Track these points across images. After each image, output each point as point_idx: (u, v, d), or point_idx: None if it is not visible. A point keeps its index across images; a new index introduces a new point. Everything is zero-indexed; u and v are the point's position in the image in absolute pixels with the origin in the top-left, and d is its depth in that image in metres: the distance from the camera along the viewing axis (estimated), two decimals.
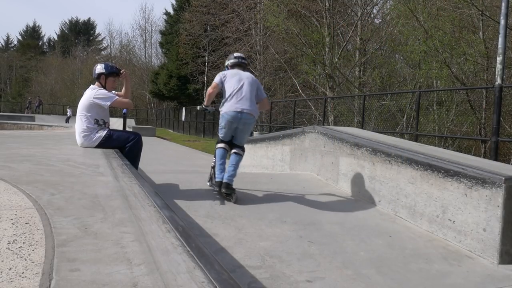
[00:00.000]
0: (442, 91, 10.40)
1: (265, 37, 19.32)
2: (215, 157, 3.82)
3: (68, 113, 31.43)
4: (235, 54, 4.08)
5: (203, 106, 3.97)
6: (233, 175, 3.56)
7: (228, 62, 4.01)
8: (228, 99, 3.66)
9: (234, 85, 3.70)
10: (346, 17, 15.77)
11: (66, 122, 28.96)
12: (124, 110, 4.03)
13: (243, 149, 3.82)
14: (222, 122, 3.72)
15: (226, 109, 3.63)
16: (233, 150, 3.77)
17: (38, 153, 3.42)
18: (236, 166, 3.65)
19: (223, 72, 3.86)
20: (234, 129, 3.72)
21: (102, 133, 3.70)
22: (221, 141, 3.81)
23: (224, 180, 3.52)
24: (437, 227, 2.93)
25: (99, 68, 3.89)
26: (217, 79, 3.78)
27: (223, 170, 3.65)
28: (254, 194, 3.65)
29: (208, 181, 3.98)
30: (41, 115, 30.64)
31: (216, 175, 3.67)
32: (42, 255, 1.21)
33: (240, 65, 3.96)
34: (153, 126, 25.77)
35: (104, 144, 3.68)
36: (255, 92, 3.79)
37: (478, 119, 9.68)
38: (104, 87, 3.88)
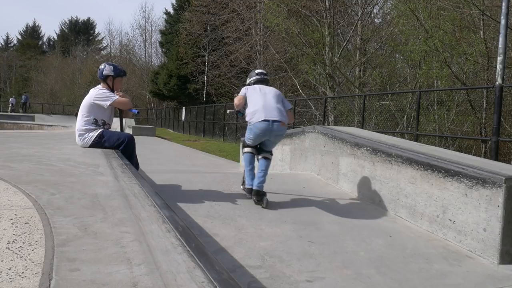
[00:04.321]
0: (442, 91, 10.39)
1: (265, 37, 19.31)
2: (244, 161, 3.74)
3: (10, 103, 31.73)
4: (257, 71, 3.95)
5: (235, 110, 3.81)
6: (262, 181, 3.48)
7: (250, 80, 3.88)
8: (256, 112, 3.48)
9: (259, 97, 3.56)
10: (347, 16, 15.77)
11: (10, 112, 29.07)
12: (134, 111, 3.96)
13: (271, 153, 3.72)
14: (250, 134, 3.55)
15: (255, 120, 3.44)
16: (262, 155, 3.67)
17: (38, 153, 3.41)
18: (265, 171, 3.56)
19: (246, 88, 3.74)
20: (264, 140, 3.56)
21: (95, 134, 3.67)
22: (248, 146, 3.69)
23: (254, 188, 3.46)
24: (437, 227, 2.93)
25: (108, 70, 3.85)
26: (242, 91, 3.70)
27: (253, 176, 3.58)
28: None
29: (241, 185, 3.93)
30: (41, 114, 30.57)
31: (247, 182, 3.63)
32: (42, 255, 1.21)
33: (262, 81, 3.83)
34: (153, 126, 25.76)
35: (96, 144, 3.65)
36: (281, 102, 3.62)
37: (478, 119, 9.67)
38: (111, 89, 3.87)
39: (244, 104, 3.66)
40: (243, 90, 3.70)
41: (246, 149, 3.69)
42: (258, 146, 3.70)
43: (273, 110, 3.48)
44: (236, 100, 3.67)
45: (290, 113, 3.75)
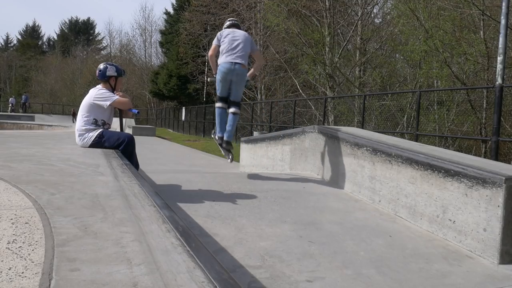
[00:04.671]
0: (442, 91, 10.40)
1: (265, 37, 19.32)
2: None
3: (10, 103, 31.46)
4: (230, 19, 4.70)
5: (214, 76, 4.45)
6: (231, 134, 4.35)
7: (225, 25, 4.59)
8: (224, 54, 4.22)
9: (229, 42, 4.28)
10: (347, 16, 15.78)
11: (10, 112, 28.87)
12: (134, 111, 4.03)
13: (239, 106, 4.43)
14: (218, 75, 4.25)
15: (221, 61, 4.20)
16: (230, 110, 4.36)
17: (38, 153, 3.41)
18: (234, 125, 4.36)
19: (220, 32, 4.42)
20: (229, 81, 4.25)
21: (95, 134, 3.67)
22: (219, 100, 4.37)
23: (225, 139, 4.33)
24: (437, 227, 2.93)
25: (111, 70, 3.85)
26: (215, 41, 4.38)
27: (223, 127, 4.38)
28: (254, 194, 3.65)
29: (212, 134, 4.69)
30: (41, 114, 30.57)
31: (217, 131, 4.44)
32: (42, 255, 1.21)
33: (234, 25, 4.57)
34: (153, 126, 25.76)
35: (96, 144, 3.65)
36: (249, 47, 4.36)
37: (478, 119, 9.68)
38: (113, 88, 3.87)
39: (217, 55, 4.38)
40: (216, 41, 4.38)
41: (217, 104, 4.40)
42: (228, 99, 4.35)
43: (237, 53, 4.22)
44: (210, 51, 4.43)
45: (258, 54, 4.62)
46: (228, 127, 4.31)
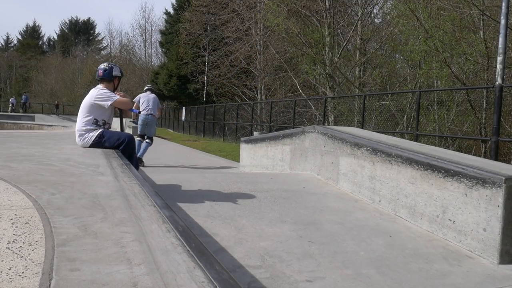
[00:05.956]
0: (442, 91, 10.40)
1: (265, 37, 19.33)
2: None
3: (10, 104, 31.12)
4: (148, 85, 8.12)
5: (134, 120, 7.79)
6: (142, 154, 7.30)
7: (144, 89, 7.91)
8: (143, 109, 7.47)
9: (146, 101, 7.59)
10: (347, 16, 15.79)
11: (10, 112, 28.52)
12: (135, 111, 4.08)
13: (151, 140, 7.65)
14: (140, 121, 7.50)
15: (142, 113, 7.40)
16: (145, 141, 7.55)
17: (38, 153, 3.42)
18: (145, 150, 7.45)
19: (139, 95, 7.76)
20: (145, 124, 7.50)
21: (95, 134, 3.67)
22: (139, 136, 7.47)
23: (138, 156, 6.69)
24: (437, 227, 2.93)
25: (116, 70, 3.88)
26: (136, 99, 7.57)
27: (138, 150, 7.09)
28: (254, 194, 3.65)
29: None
30: (42, 114, 30.56)
31: (138, 155, 6.84)
32: (42, 255, 1.21)
33: (149, 89, 7.88)
34: None
35: (96, 144, 3.65)
36: (156, 105, 7.68)
37: (478, 119, 9.68)
38: (115, 88, 3.90)
39: (139, 106, 7.51)
40: (137, 98, 7.64)
41: (137, 138, 7.18)
42: (145, 135, 7.54)
43: (150, 109, 7.54)
44: (134, 105, 6.51)
45: (159, 110, 7.87)
46: (141, 150, 7.28)
